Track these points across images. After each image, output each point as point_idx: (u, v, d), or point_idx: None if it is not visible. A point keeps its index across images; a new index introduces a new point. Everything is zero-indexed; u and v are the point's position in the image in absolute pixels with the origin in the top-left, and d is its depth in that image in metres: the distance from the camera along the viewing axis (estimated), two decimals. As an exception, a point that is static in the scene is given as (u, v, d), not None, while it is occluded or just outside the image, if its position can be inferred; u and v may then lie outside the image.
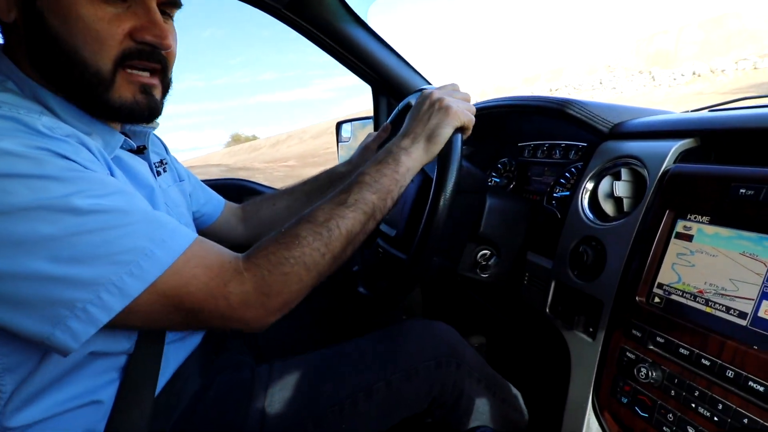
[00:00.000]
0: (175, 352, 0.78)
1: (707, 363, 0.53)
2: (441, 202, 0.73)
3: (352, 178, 0.67)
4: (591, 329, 0.72)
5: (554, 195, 1.07)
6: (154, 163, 0.87)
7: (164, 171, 0.91)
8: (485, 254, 0.95)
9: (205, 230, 1.08)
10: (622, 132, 0.83)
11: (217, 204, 1.12)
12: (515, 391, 1.04)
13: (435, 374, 0.85)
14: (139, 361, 0.67)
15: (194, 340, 0.83)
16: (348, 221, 0.61)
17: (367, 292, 0.95)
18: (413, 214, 0.88)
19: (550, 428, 0.82)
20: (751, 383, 0.48)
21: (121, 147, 0.71)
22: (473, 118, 0.76)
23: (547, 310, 0.83)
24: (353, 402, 0.78)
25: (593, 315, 0.72)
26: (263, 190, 1.45)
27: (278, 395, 0.76)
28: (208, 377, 0.82)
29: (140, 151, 0.78)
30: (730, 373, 0.50)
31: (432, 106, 0.72)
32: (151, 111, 0.69)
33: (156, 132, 0.85)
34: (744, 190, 0.55)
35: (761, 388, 0.47)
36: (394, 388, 0.80)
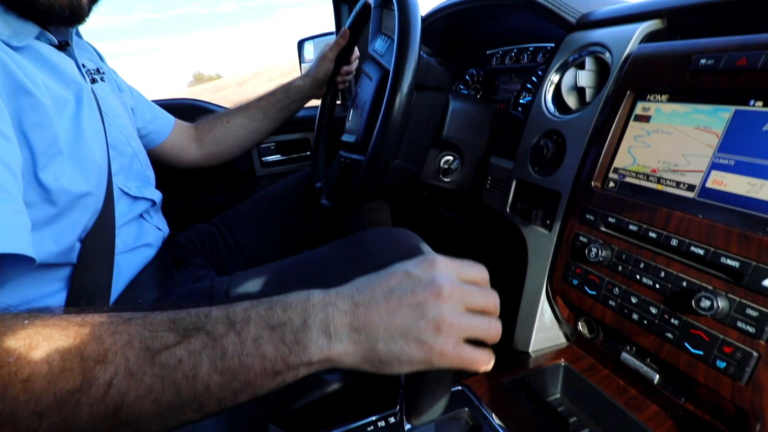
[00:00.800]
0: (127, 263, 0.75)
1: (654, 235, 0.54)
2: (398, 96, 0.69)
3: (214, 312, 0.36)
4: (548, 221, 0.73)
5: (520, 101, 1.04)
6: (89, 70, 0.79)
7: (102, 81, 0.83)
8: (449, 160, 0.93)
9: (155, 150, 1.01)
10: (589, 21, 0.78)
11: (165, 122, 1.04)
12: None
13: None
14: (86, 270, 0.64)
15: (147, 252, 0.81)
16: (134, 387, 0.30)
17: (329, 203, 0.93)
18: (372, 114, 0.83)
19: (508, 320, 0.86)
20: (692, 248, 0.50)
21: (39, 40, 0.64)
22: (486, 358, 0.41)
23: (507, 210, 0.83)
24: None
25: (551, 207, 0.72)
26: (216, 109, 1.36)
27: (240, 298, 0.75)
28: (166, 287, 0.80)
29: (63, 47, 0.70)
30: (674, 242, 0.52)
31: (424, 300, 0.38)
32: (73, 11, 0.61)
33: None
34: (705, 60, 0.53)
35: (701, 251, 0.49)
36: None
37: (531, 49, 1.08)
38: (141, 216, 0.82)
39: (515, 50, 1.13)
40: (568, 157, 0.70)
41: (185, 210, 1.35)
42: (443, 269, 0.40)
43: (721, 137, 0.51)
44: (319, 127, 1.15)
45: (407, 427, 0.52)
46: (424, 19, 1.15)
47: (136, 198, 0.80)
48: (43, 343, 0.29)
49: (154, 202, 0.85)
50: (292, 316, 0.36)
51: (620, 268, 0.58)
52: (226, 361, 0.33)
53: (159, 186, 0.91)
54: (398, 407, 0.52)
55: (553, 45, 0.95)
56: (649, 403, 0.64)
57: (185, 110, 1.35)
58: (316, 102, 1.20)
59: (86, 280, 0.64)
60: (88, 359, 0.29)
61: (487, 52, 1.22)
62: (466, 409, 0.62)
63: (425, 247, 0.95)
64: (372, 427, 0.59)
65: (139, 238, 0.80)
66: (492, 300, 0.42)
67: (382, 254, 0.85)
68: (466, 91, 1.25)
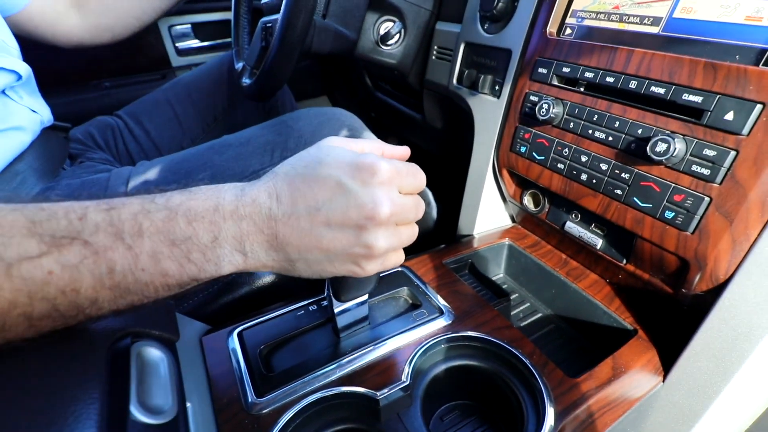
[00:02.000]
0: (-10, 149, 0.61)
1: (611, 80, 0.47)
2: None
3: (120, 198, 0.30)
4: (497, 87, 0.65)
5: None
6: None
7: None
8: (389, 26, 0.80)
9: (15, 17, 0.78)
10: None
11: None
12: (426, 188, 1.03)
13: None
14: None
15: (19, 137, 0.65)
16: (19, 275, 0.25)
17: (249, 79, 0.79)
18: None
19: (454, 205, 0.82)
20: (653, 88, 0.44)
21: None
22: (401, 257, 0.38)
23: (454, 82, 0.74)
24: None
25: (501, 69, 0.64)
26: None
27: (141, 188, 0.64)
28: (51, 180, 0.67)
29: None
30: (633, 84, 0.45)
31: (357, 224, 0.33)
32: None
33: None
34: None
35: (662, 90, 0.43)
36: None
37: None
38: (4, 93, 0.65)
39: None
40: (521, 7, 0.60)
41: (84, 107, 1.14)
42: (384, 182, 0.33)
43: (698, -46, 0.43)
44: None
45: (338, 307, 0.47)
46: None
47: None
48: None
49: (19, 76, 0.67)
50: (199, 231, 0.30)
51: (572, 124, 0.52)
52: (116, 277, 0.28)
53: (40, 71, 0.72)
54: (326, 289, 0.46)
55: None
56: (588, 273, 0.63)
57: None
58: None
59: None
60: None
61: None
62: (406, 288, 0.58)
63: (366, 133, 0.85)
64: (303, 312, 0.54)
65: (5, 119, 0.64)
66: (420, 206, 0.37)
67: (314, 135, 0.75)
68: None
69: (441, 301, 0.54)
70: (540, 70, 0.55)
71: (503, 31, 0.62)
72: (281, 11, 0.63)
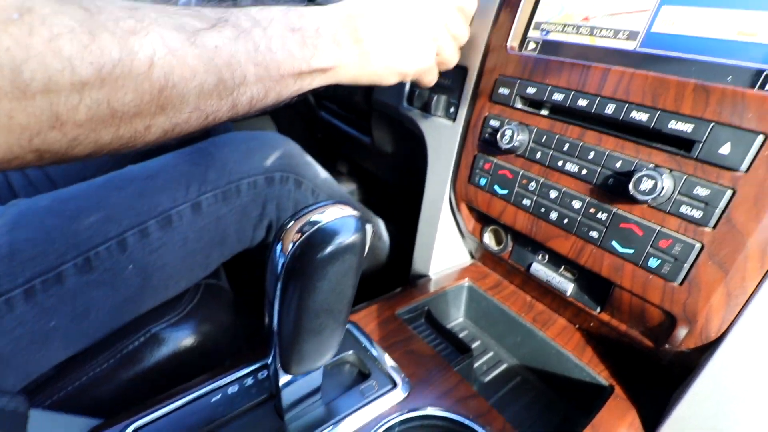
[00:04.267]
0: None
1: (584, 103, 0.40)
2: None
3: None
4: (452, 109, 0.57)
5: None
6: None
7: None
8: None
9: None
10: None
11: None
12: (373, 216, 0.93)
13: (266, 192, 0.66)
14: None
15: None
16: (178, 66, 0.28)
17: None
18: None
19: (407, 242, 0.73)
20: (633, 113, 0.37)
21: None
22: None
23: (404, 102, 0.65)
24: (143, 232, 0.55)
25: (455, 89, 0.56)
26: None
27: (15, 234, 0.49)
28: None
29: None
30: (610, 108, 0.39)
31: (421, 14, 0.43)
32: None
33: None
34: None
35: (644, 116, 0.36)
36: (205, 212, 0.59)
37: None
38: None
39: None
40: (479, 15, 0.53)
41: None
42: None
43: (674, -36, 0.37)
44: None
45: (285, 378, 0.35)
46: None
47: None
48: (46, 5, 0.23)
49: None
50: (305, 24, 0.37)
51: (539, 154, 0.45)
52: (260, 54, 0.33)
53: None
54: (271, 355, 0.34)
55: None
56: (556, 317, 0.56)
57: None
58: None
59: None
60: (118, 30, 0.25)
61: None
62: (351, 351, 0.47)
63: (307, 158, 0.75)
64: (235, 387, 0.41)
65: None
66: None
67: (241, 163, 0.63)
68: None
69: (394, 367, 0.44)
70: (501, 90, 0.48)
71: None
72: None
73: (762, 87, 0.32)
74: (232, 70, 0.31)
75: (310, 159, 0.76)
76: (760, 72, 0.32)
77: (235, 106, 0.33)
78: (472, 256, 0.69)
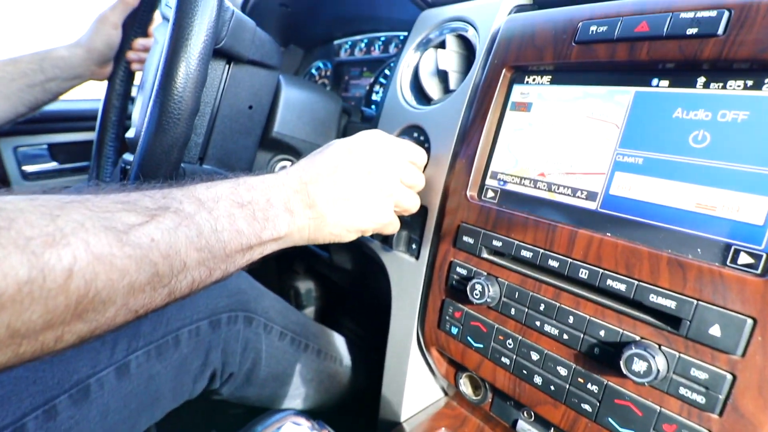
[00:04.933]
0: None
1: (555, 264, 0.38)
2: (182, 57, 0.43)
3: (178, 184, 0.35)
4: (414, 246, 0.54)
5: (372, 99, 0.87)
6: None
7: None
8: (286, 164, 0.69)
9: None
10: (446, -5, 0.64)
11: None
12: (337, 336, 0.85)
13: (210, 338, 0.58)
14: None
15: None
16: (104, 271, 0.26)
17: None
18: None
19: (374, 380, 0.65)
20: (609, 282, 0.35)
21: None
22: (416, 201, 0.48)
23: (364, 232, 0.62)
24: (48, 414, 0.45)
25: (415, 227, 0.54)
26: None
27: None
28: None
29: None
30: (583, 273, 0.36)
31: (374, 159, 0.43)
32: None
33: None
34: (595, 27, 0.40)
35: (622, 286, 0.34)
36: (133, 374, 0.50)
37: (383, 39, 0.92)
38: None
39: (366, 40, 0.96)
40: (434, 160, 0.52)
41: None
42: (395, 145, 0.45)
43: (622, 128, 0.38)
44: (103, 123, 0.80)
45: None
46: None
47: None
48: None
49: None
50: (256, 196, 0.37)
51: (513, 311, 0.41)
52: (203, 239, 0.32)
53: None
54: None
55: (407, 34, 0.80)
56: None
57: None
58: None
59: None
60: (31, 244, 0.23)
61: (335, 43, 1.03)
62: None
63: (254, 289, 0.68)
64: None
65: None
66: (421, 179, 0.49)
67: (179, 310, 0.56)
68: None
69: None
70: (465, 238, 0.45)
71: (416, 185, 0.54)
72: (137, 155, 0.48)
73: (734, 261, 0.31)
74: (170, 261, 0.29)
75: (260, 287, 0.70)
76: (728, 246, 0.31)
77: (172, 293, 0.31)
78: (446, 393, 0.62)
